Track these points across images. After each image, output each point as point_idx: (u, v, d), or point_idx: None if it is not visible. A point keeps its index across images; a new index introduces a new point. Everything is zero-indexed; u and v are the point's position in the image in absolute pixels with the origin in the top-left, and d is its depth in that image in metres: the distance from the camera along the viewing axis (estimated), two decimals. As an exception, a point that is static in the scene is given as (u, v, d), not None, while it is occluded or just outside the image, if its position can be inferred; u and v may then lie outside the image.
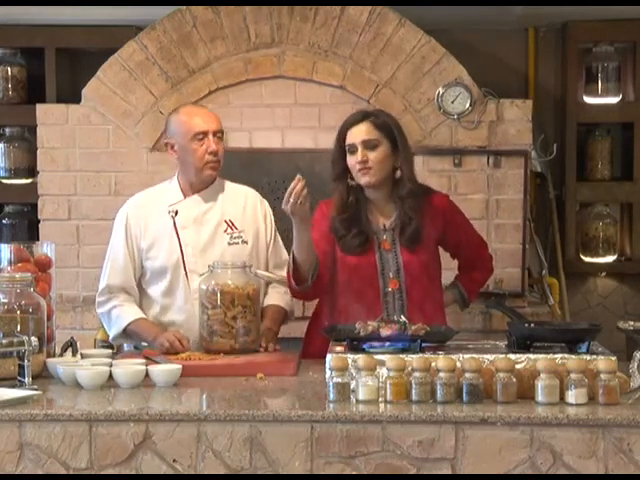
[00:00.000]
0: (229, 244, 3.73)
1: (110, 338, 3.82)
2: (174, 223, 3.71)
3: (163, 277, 3.71)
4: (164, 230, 3.72)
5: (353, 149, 3.59)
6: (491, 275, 3.97)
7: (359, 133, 3.58)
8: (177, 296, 3.70)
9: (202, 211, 3.74)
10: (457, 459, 2.72)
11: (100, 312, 3.80)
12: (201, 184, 3.75)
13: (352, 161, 3.59)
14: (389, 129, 3.61)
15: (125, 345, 3.91)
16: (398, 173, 3.62)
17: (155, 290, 3.74)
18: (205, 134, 3.66)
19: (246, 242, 3.75)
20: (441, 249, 3.80)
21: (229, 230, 3.74)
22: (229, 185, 3.84)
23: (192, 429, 2.74)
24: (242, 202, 3.80)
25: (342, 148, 3.63)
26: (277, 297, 3.80)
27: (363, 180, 3.59)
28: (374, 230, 3.66)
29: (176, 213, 3.71)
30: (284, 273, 3.66)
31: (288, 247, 3.76)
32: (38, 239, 5.15)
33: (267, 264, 3.79)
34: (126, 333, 3.71)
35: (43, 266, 3.40)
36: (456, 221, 3.76)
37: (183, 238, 3.70)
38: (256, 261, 3.74)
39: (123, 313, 3.71)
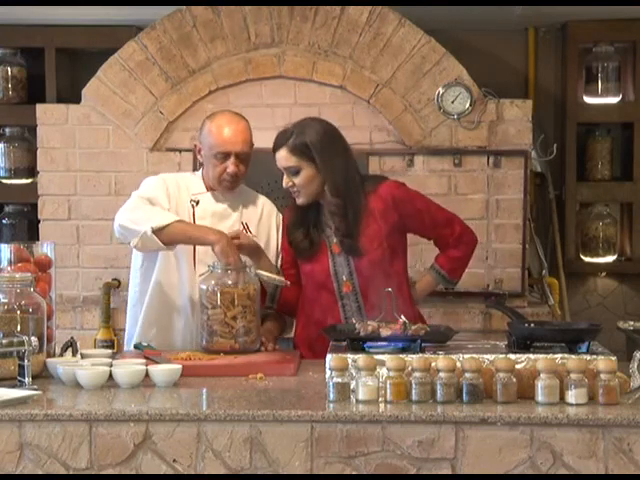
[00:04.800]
0: None
1: (134, 242, 3.58)
2: (193, 212, 3.72)
3: (173, 258, 3.71)
4: (183, 216, 3.70)
5: (282, 173, 3.64)
6: (473, 247, 3.84)
7: (279, 160, 3.61)
8: (183, 281, 3.70)
9: (222, 208, 3.77)
10: (457, 459, 2.72)
11: (121, 221, 3.62)
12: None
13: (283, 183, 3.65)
14: (307, 151, 3.56)
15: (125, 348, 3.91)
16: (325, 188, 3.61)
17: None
18: (227, 155, 3.66)
19: None
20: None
21: (244, 232, 3.75)
22: (248, 191, 3.88)
23: (192, 429, 2.74)
24: (259, 210, 3.85)
25: None
26: None
27: (297, 201, 3.65)
28: (327, 234, 3.67)
29: (197, 203, 3.73)
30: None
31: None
32: (38, 239, 5.15)
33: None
34: (165, 231, 3.54)
35: (43, 266, 3.40)
36: (413, 206, 3.68)
37: None
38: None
39: (162, 212, 3.59)
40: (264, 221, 3.83)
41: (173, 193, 3.74)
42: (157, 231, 3.52)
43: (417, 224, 3.71)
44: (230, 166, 3.66)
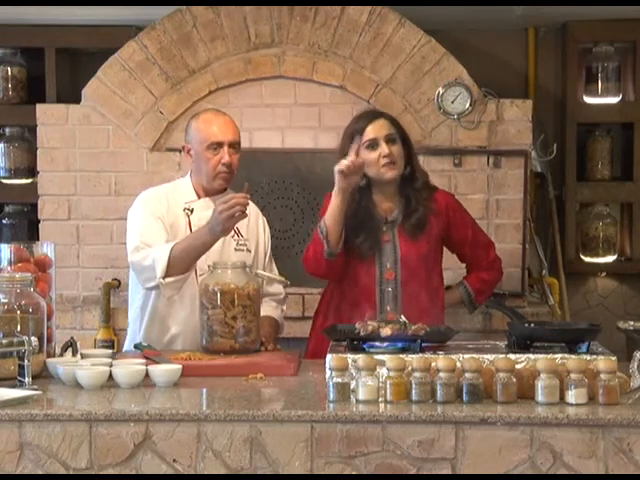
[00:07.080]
0: (235, 250, 3.75)
1: (158, 277, 3.55)
2: (189, 222, 3.71)
3: None
4: (178, 226, 3.71)
5: (375, 144, 3.65)
6: (500, 277, 3.96)
7: (381, 128, 3.66)
8: (185, 292, 3.70)
9: None
10: (457, 459, 2.72)
11: (134, 267, 3.66)
12: (212, 190, 3.77)
13: (374, 156, 3.64)
14: (400, 127, 3.73)
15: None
16: (408, 169, 3.70)
17: None
18: (220, 145, 3.67)
19: (250, 251, 3.79)
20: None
21: (236, 236, 3.75)
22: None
23: (192, 429, 2.74)
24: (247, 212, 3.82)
25: (349, 148, 3.64)
26: (270, 310, 3.82)
27: (388, 174, 3.66)
28: (378, 223, 3.72)
29: (192, 211, 3.72)
30: (278, 287, 3.80)
31: (279, 261, 3.91)
32: (38, 239, 5.15)
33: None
34: (172, 265, 3.52)
35: (43, 266, 3.40)
36: (461, 219, 3.80)
37: None
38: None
39: (160, 248, 3.56)
40: (252, 224, 3.83)
41: (166, 206, 3.72)
42: (167, 275, 3.53)
43: (460, 236, 3.80)
44: (225, 156, 3.66)
